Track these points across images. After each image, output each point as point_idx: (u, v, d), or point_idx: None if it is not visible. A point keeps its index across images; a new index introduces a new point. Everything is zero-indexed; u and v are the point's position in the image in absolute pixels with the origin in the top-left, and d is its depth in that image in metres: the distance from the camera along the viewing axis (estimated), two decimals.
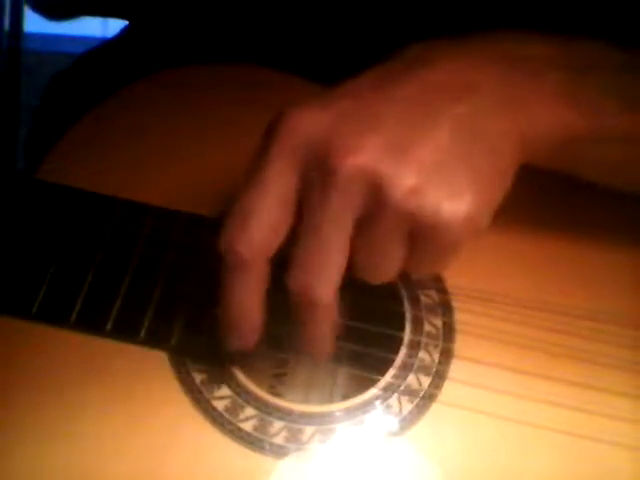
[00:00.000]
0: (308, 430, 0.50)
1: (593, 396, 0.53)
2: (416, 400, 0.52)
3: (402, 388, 0.52)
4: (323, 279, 0.46)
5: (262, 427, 0.50)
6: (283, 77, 0.60)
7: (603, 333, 0.55)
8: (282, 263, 0.47)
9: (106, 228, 0.55)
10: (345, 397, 0.53)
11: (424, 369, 0.53)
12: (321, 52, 0.63)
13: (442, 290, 0.55)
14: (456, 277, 0.55)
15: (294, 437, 0.50)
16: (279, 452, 0.49)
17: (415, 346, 0.53)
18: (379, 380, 0.52)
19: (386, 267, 0.47)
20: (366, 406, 0.51)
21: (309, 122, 0.45)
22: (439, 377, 0.52)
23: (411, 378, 0.52)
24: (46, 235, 0.54)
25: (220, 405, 0.50)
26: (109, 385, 0.50)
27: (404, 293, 0.55)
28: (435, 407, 0.52)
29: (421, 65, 0.47)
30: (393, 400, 0.52)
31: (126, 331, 0.51)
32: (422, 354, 0.53)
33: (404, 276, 0.55)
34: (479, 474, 0.50)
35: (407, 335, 0.54)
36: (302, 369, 0.57)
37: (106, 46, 0.73)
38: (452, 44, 0.49)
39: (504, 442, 0.51)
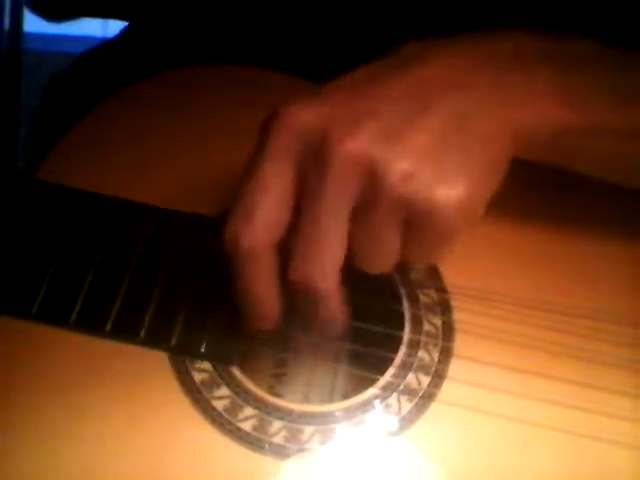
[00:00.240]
0: (308, 430, 0.50)
1: (593, 395, 0.53)
2: (415, 399, 0.52)
3: (401, 387, 0.52)
4: (324, 268, 0.47)
5: (261, 427, 0.50)
6: (283, 77, 0.60)
7: (603, 332, 0.55)
8: None
9: (106, 228, 0.55)
10: (345, 397, 0.53)
11: (423, 368, 0.53)
12: (321, 53, 0.63)
13: (441, 289, 0.55)
14: (455, 276, 0.56)
15: (294, 437, 0.50)
16: (279, 452, 0.49)
17: (414, 345, 0.53)
18: (378, 379, 0.52)
19: (384, 256, 0.48)
20: (365, 406, 0.51)
21: (304, 115, 0.46)
22: (438, 376, 0.52)
23: (410, 377, 0.52)
24: (46, 235, 0.54)
25: (219, 405, 0.50)
26: (109, 386, 0.50)
27: (403, 292, 0.55)
28: (434, 406, 0.52)
29: (417, 62, 0.48)
30: (392, 399, 0.52)
31: (126, 331, 0.52)
32: (421, 353, 0.53)
33: (404, 275, 0.56)
34: (479, 473, 0.50)
35: (406, 334, 0.54)
36: (302, 369, 0.57)
37: (106, 46, 0.73)
38: (448, 42, 0.49)
39: (504, 441, 0.51)
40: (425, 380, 0.52)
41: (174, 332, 0.52)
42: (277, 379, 0.56)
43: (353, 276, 0.55)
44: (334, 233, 0.46)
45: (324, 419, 0.51)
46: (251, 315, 0.49)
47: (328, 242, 0.46)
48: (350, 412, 0.51)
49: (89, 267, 0.53)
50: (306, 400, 0.55)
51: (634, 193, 0.56)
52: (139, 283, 0.53)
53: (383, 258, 0.48)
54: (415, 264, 0.53)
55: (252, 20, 0.65)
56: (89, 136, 0.59)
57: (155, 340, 0.52)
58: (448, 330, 0.54)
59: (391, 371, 0.52)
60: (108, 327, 0.51)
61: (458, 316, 0.54)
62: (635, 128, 0.50)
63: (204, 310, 0.53)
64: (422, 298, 0.55)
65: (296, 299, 0.48)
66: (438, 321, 0.54)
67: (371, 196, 0.45)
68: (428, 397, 0.52)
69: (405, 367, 0.53)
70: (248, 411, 0.50)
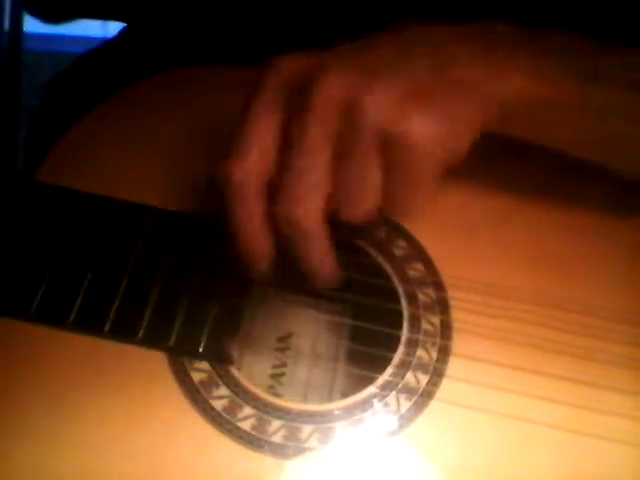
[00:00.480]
0: (306, 429, 0.50)
1: (593, 393, 0.53)
2: (414, 398, 0.52)
3: (400, 386, 0.52)
4: (307, 204, 0.48)
5: (260, 426, 0.50)
6: None
7: (603, 330, 0.55)
8: None
9: (104, 229, 0.55)
10: (343, 396, 0.53)
11: (422, 367, 0.53)
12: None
13: (439, 288, 0.55)
14: (454, 274, 0.56)
15: (293, 436, 0.50)
16: (278, 451, 0.50)
17: (413, 344, 0.53)
18: (377, 378, 0.52)
19: (365, 195, 0.49)
20: (364, 404, 0.51)
21: (295, 62, 0.49)
22: (437, 375, 0.52)
23: (409, 376, 0.52)
24: (44, 236, 0.54)
25: (218, 405, 0.50)
26: (108, 386, 0.50)
27: (401, 291, 0.55)
28: (433, 405, 0.52)
29: (406, 31, 0.51)
30: (391, 398, 0.52)
31: (124, 332, 0.52)
32: (420, 352, 0.53)
33: (402, 274, 0.56)
34: (478, 471, 0.50)
35: (405, 333, 0.54)
36: (300, 369, 0.57)
37: (105, 47, 0.73)
38: (436, 22, 0.52)
39: (503, 439, 0.51)
40: (424, 379, 0.52)
41: (172, 332, 0.52)
42: (276, 379, 0.56)
43: (352, 276, 0.55)
44: (317, 168, 0.48)
45: (323, 418, 0.51)
46: (246, 254, 0.50)
47: (312, 177, 0.48)
48: (349, 411, 0.51)
49: (88, 267, 0.53)
50: (305, 400, 0.55)
51: (635, 191, 0.56)
52: (138, 283, 0.53)
53: (365, 198, 0.49)
54: (395, 211, 0.52)
55: (251, 21, 0.65)
56: (88, 137, 0.59)
57: (153, 340, 0.52)
58: (446, 329, 0.54)
59: (390, 370, 0.52)
60: (107, 327, 0.52)
61: (456, 315, 0.54)
62: (599, 104, 0.52)
63: (202, 310, 0.53)
64: (420, 297, 0.55)
65: (285, 241, 0.50)
66: (436, 320, 0.54)
67: (352, 131, 0.47)
68: (427, 396, 0.52)
69: (404, 366, 0.53)
70: (247, 411, 0.50)
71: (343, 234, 0.53)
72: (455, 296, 0.55)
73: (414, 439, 0.51)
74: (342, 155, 0.48)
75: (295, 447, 0.50)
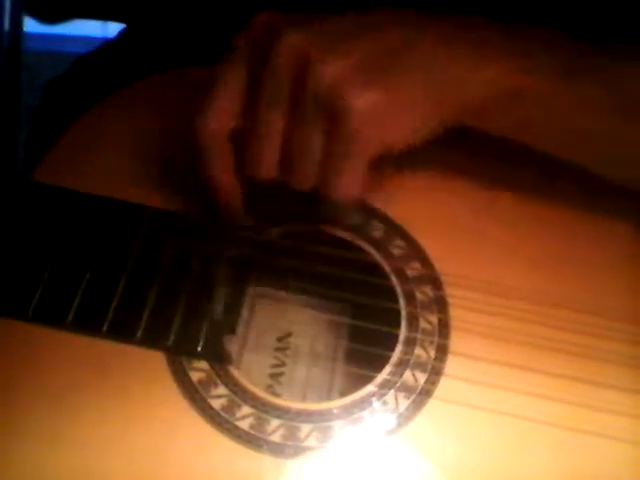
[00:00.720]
0: (305, 428, 0.50)
1: (591, 391, 0.53)
2: (412, 396, 0.52)
3: (398, 385, 0.52)
4: (262, 157, 0.51)
5: (259, 425, 0.50)
6: None
7: (602, 328, 0.55)
8: None
9: (103, 229, 0.55)
10: (342, 395, 0.53)
11: (420, 365, 0.53)
12: None
13: (437, 287, 0.55)
14: (452, 273, 0.56)
15: (291, 435, 0.50)
16: (276, 450, 0.50)
17: (411, 343, 0.53)
18: (376, 377, 0.52)
19: (306, 160, 0.51)
20: (363, 403, 0.51)
21: (265, 17, 0.52)
22: (435, 373, 0.52)
23: (407, 375, 0.52)
24: (43, 236, 0.54)
25: (217, 404, 0.50)
26: (107, 386, 0.51)
27: (399, 290, 0.55)
28: (431, 403, 0.52)
29: (380, 13, 0.52)
30: (390, 397, 0.52)
31: (123, 331, 0.52)
32: (418, 351, 0.53)
33: (400, 273, 0.56)
34: (476, 469, 0.50)
35: (403, 332, 0.54)
36: (299, 368, 0.57)
37: (105, 48, 0.73)
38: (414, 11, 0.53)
39: (501, 437, 0.51)
40: (422, 377, 0.52)
41: (171, 332, 0.52)
42: (275, 378, 0.56)
43: (350, 275, 0.55)
44: (270, 122, 0.50)
45: (321, 417, 0.51)
46: (219, 204, 0.54)
47: (264, 131, 0.51)
48: (347, 410, 0.51)
49: (86, 268, 0.53)
50: (304, 399, 0.55)
51: (634, 192, 0.56)
52: (136, 283, 0.53)
53: (305, 162, 0.51)
54: (323, 183, 0.53)
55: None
56: (86, 137, 0.59)
57: (152, 340, 0.52)
58: (444, 327, 0.54)
59: (388, 369, 0.52)
60: (105, 327, 0.52)
61: (454, 313, 0.54)
62: (576, 99, 0.52)
63: (200, 309, 0.53)
64: (418, 296, 0.55)
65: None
66: (434, 318, 0.54)
67: (300, 93, 0.49)
68: (425, 394, 0.52)
69: (402, 364, 0.53)
70: (245, 410, 0.51)
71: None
72: (453, 294, 0.55)
73: (412, 437, 0.51)
74: (291, 115, 0.50)
75: (294, 446, 0.50)
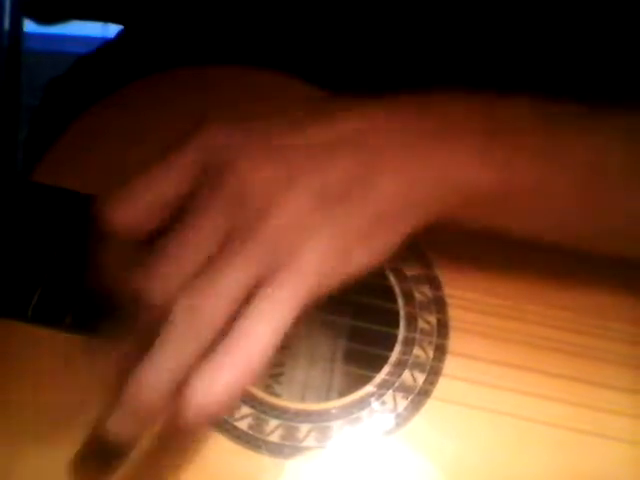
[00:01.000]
0: (304, 428, 0.50)
1: (591, 391, 0.53)
2: (411, 396, 0.52)
3: (397, 385, 0.52)
4: (166, 285, 0.45)
5: (257, 426, 0.50)
6: (281, 78, 0.60)
7: (601, 329, 0.55)
8: None
9: None
10: (341, 395, 0.53)
11: (419, 366, 0.53)
12: (319, 52, 0.63)
13: (436, 287, 0.55)
14: (451, 272, 0.56)
15: (290, 435, 0.50)
16: (275, 450, 0.50)
17: (409, 343, 0.53)
18: (374, 377, 0.52)
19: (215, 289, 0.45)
20: (361, 403, 0.51)
21: (218, 135, 0.48)
22: (434, 373, 0.52)
23: (406, 375, 0.52)
24: (41, 236, 0.54)
25: None
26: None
27: (398, 290, 0.55)
28: (430, 403, 0.52)
29: (336, 117, 0.49)
30: (388, 397, 0.52)
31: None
32: (416, 351, 0.53)
33: (399, 273, 0.56)
34: (475, 469, 0.50)
35: (401, 332, 0.54)
36: (298, 369, 0.57)
37: (104, 48, 0.73)
38: (376, 102, 0.50)
39: (500, 437, 0.51)
40: (420, 377, 0.52)
41: None
42: (274, 379, 0.56)
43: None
44: (193, 251, 0.46)
45: (320, 417, 0.51)
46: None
47: (184, 257, 0.46)
48: (346, 410, 0.51)
49: (85, 268, 0.53)
50: (303, 399, 0.55)
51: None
52: None
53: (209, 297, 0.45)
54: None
55: (249, 20, 0.65)
56: (85, 137, 0.59)
57: None
58: (443, 327, 0.54)
59: (387, 369, 0.52)
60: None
61: (453, 313, 0.54)
62: (554, 190, 0.51)
63: None
64: (417, 296, 0.55)
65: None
66: (433, 318, 0.54)
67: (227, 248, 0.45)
68: (424, 394, 0.52)
69: (400, 364, 0.53)
70: (244, 410, 0.51)
71: None
72: (452, 294, 0.55)
73: (411, 438, 0.51)
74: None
75: (292, 446, 0.50)
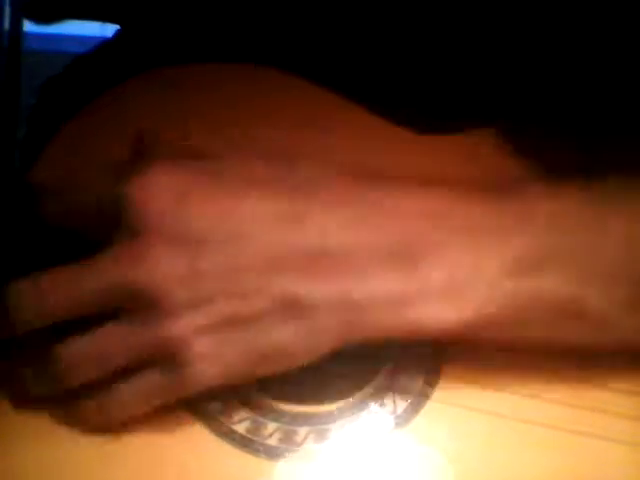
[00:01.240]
0: (302, 431, 0.50)
1: (590, 392, 0.53)
2: (410, 398, 0.52)
3: (396, 386, 0.52)
4: None
5: (256, 429, 0.50)
6: (281, 77, 0.60)
7: None
8: None
9: None
10: (339, 397, 0.53)
11: (418, 367, 0.52)
12: (319, 51, 0.63)
13: None
14: None
15: (288, 438, 0.50)
16: (273, 454, 0.50)
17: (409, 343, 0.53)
18: (373, 379, 0.52)
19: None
20: (360, 405, 0.51)
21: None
22: (433, 375, 0.52)
23: (405, 376, 0.52)
24: (40, 236, 0.54)
25: (213, 408, 0.50)
26: None
27: None
28: (430, 405, 0.52)
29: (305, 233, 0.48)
30: (387, 398, 0.52)
31: None
32: (416, 352, 0.53)
33: None
34: (475, 471, 0.50)
35: None
36: (297, 371, 0.57)
37: (101, 48, 0.73)
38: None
39: (499, 439, 0.51)
40: (420, 379, 0.52)
41: None
42: (272, 381, 0.56)
43: None
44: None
45: (319, 419, 0.51)
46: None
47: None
48: (345, 412, 0.51)
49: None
50: (301, 402, 0.55)
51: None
52: None
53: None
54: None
55: (247, 20, 0.65)
56: (81, 135, 0.59)
57: None
58: None
59: (385, 371, 0.52)
60: None
61: None
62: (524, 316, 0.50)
63: None
64: None
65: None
66: None
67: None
68: (423, 396, 0.52)
69: (400, 366, 0.52)
70: (242, 413, 0.50)
71: None
72: None
73: (410, 439, 0.51)
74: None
75: (291, 449, 0.50)
